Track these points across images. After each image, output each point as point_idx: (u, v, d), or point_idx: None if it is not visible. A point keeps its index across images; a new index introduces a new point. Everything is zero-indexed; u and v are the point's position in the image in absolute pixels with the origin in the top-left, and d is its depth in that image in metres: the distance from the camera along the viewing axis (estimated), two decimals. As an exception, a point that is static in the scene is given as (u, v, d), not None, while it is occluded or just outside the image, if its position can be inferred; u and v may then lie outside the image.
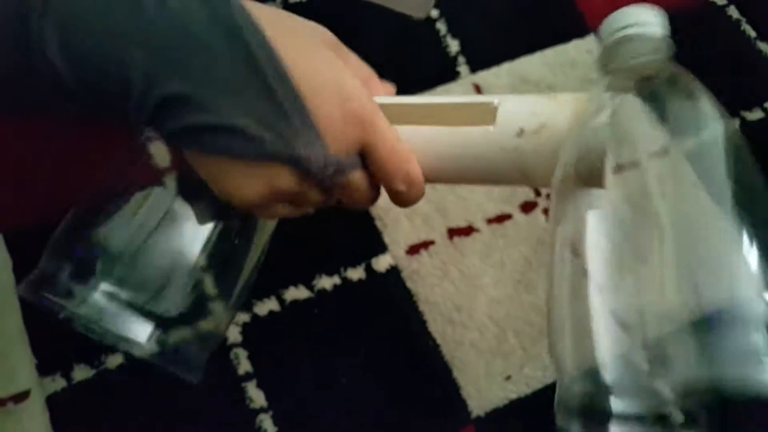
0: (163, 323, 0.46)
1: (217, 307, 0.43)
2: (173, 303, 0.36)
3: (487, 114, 0.29)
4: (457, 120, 0.30)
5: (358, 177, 0.30)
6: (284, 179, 0.28)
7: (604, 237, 0.24)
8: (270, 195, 0.29)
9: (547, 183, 0.29)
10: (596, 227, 0.25)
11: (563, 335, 0.25)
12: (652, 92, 0.27)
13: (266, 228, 0.42)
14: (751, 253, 0.24)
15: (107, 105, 0.26)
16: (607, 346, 0.24)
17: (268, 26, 0.26)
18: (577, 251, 0.25)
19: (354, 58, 0.32)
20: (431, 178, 0.32)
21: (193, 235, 0.34)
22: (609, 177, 0.25)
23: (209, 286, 0.42)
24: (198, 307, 0.43)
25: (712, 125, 0.27)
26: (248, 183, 0.28)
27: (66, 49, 0.25)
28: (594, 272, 0.24)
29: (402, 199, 0.32)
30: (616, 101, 0.27)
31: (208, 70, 0.25)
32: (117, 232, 0.33)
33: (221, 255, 0.39)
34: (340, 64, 0.29)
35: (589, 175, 0.26)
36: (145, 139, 0.36)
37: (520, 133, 0.29)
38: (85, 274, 0.32)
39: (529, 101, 0.30)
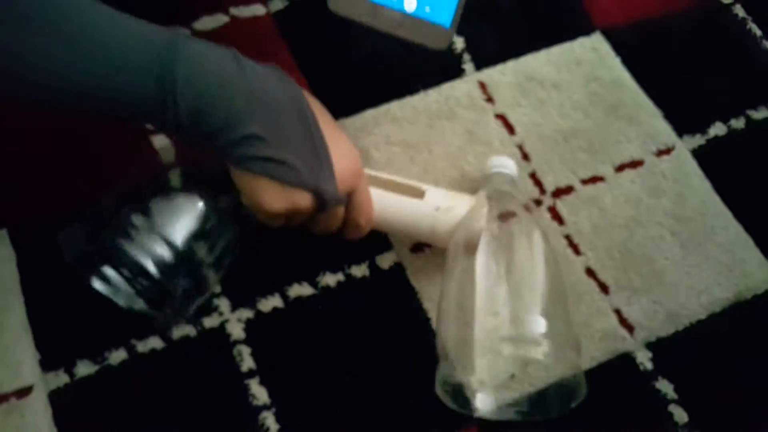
0: (167, 323, 0.46)
1: (222, 304, 0.44)
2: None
3: (420, 193, 0.47)
4: (400, 191, 0.47)
5: (341, 210, 0.44)
6: (304, 201, 0.40)
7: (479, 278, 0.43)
8: (288, 209, 0.40)
9: (445, 244, 0.47)
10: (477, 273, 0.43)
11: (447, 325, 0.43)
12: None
13: (250, 224, 0.45)
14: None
15: (199, 132, 0.37)
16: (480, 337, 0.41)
17: (314, 107, 0.41)
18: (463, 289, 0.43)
19: None
20: (376, 225, 0.47)
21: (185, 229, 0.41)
22: (481, 247, 0.43)
23: (214, 282, 0.42)
24: (166, 296, 0.43)
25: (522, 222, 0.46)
26: (278, 198, 0.40)
27: (192, 90, 0.36)
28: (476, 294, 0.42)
29: (355, 233, 0.46)
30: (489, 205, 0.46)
31: (279, 122, 0.39)
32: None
33: (197, 247, 0.42)
34: (349, 141, 0.44)
35: (470, 244, 0.44)
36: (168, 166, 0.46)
37: (437, 208, 0.47)
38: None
39: (447, 192, 0.48)
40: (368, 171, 0.47)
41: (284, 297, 0.49)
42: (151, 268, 0.40)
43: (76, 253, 0.44)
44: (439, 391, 0.43)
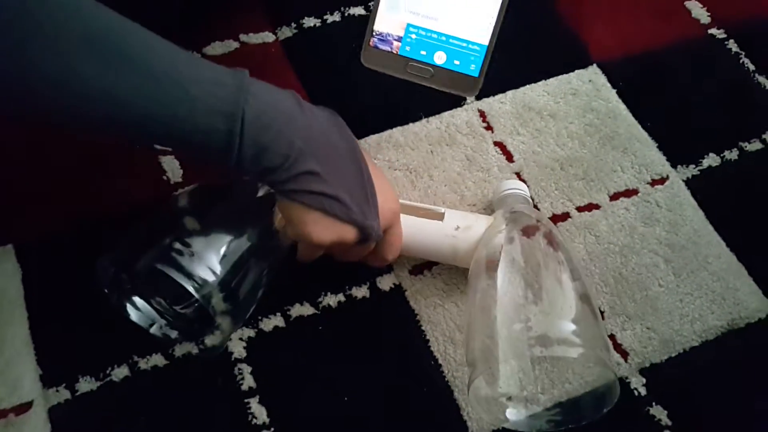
0: (171, 341, 0.47)
1: (224, 323, 0.44)
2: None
3: (438, 215, 0.49)
4: (420, 215, 0.49)
5: (373, 244, 0.46)
6: (350, 235, 0.43)
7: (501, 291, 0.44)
8: (335, 241, 0.43)
9: (467, 263, 0.49)
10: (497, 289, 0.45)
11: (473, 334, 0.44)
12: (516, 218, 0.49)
13: (280, 254, 0.47)
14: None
15: (258, 167, 0.39)
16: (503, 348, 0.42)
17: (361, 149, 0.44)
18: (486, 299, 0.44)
19: None
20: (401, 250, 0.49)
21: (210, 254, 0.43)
22: (502, 262, 0.45)
23: (218, 302, 0.43)
24: (206, 323, 0.44)
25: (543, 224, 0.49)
26: (327, 232, 0.42)
27: (258, 129, 0.37)
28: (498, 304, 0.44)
29: (380, 264, 0.49)
30: (506, 223, 0.48)
31: (334, 161, 0.41)
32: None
33: (234, 274, 0.44)
34: (390, 183, 0.47)
35: (491, 261, 0.45)
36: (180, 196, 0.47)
37: (457, 228, 0.49)
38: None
39: (465, 213, 0.50)
40: None
41: (285, 316, 0.50)
42: (194, 293, 0.42)
43: (111, 283, 0.45)
44: (472, 402, 0.44)
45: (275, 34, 0.62)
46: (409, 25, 0.49)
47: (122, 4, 0.37)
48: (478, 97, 0.59)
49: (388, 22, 0.49)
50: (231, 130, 0.37)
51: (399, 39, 0.49)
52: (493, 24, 0.49)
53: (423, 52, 0.49)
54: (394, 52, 0.50)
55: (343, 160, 0.42)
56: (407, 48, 0.50)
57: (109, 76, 0.34)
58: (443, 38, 0.49)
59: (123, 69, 0.35)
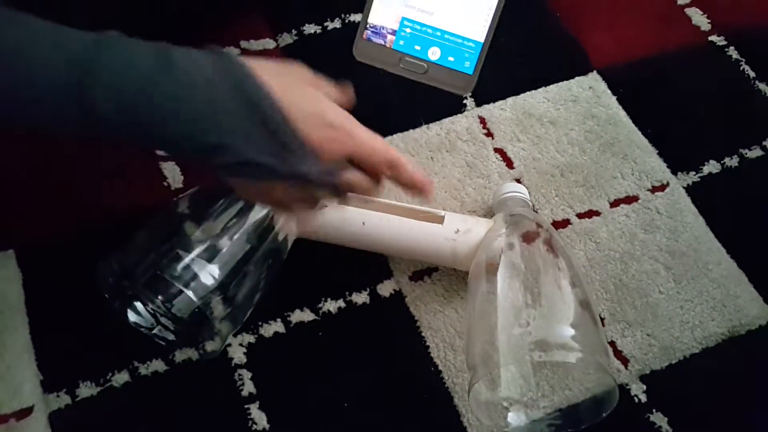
0: (170, 344, 0.47)
1: (224, 327, 0.45)
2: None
3: (438, 218, 0.49)
4: (419, 218, 0.49)
5: (353, 175, 0.39)
6: (292, 188, 0.38)
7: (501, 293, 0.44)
8: (287, 198, 0.39)
9: (466, 266, 0.48)
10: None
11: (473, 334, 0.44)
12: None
13: (278, 256, 0.47)
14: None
15: (166, 144, 0.36)
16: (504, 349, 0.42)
17: (268, 77, 0.35)
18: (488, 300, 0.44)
19: (327, 85, 0.40)
20: (398, 251, 0.50)
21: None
22: (502, 266, 0.45)
23: (218, 307, 0.43)
24: (206, 329, 0.44)
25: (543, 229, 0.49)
26: (269, 192, 0.38)
27: (119, 104, 0.33)
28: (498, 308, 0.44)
29: (402, 179, 0.41)
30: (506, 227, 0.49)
31: (229, 120, 0.35)
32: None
33: (233, 278, 0.44)
34: (320, 96, 0.38)
35: (491, 264, 0.45)
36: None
37: (456, 231, 0.48)
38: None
39: (465, 216, 0.50)
40: (387, 200, 0.49)
41: (286, 322, 0.50)
42: (194, 299, 0.42)
43: (112, 287, 0.45)
44: (473, 406, 0.44)
45: (276, 40, 0.62)
46: (404, 18, 0.48)
47: (123, 9, 0.37)
48: (478, 104, 0.60)
49: (382, 14, 0.49)
50: (79, 103, 0.32)
51: (393, 33, 0.49)
52: (490, 21, 0.49)
53: (417, 47, 0.49)
54: (388, 46, 0.49)
55: (239, 114, 0.35)
56: (401, 42, 0.49)
57: None
58: (438, 33, 0.49)
59: None
